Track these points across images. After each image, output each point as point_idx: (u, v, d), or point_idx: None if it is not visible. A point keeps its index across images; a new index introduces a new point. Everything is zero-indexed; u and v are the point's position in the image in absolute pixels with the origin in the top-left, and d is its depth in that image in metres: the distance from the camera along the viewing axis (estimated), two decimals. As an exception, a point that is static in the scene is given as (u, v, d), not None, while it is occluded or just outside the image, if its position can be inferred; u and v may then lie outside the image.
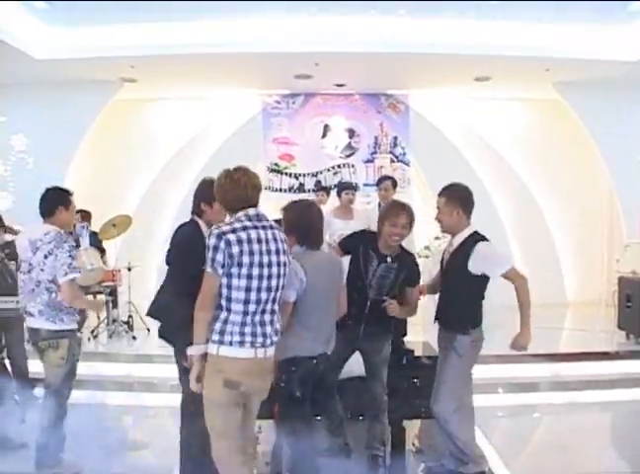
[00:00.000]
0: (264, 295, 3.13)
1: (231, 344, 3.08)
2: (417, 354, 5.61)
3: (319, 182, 10.60)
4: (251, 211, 3.20)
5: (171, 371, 5.98)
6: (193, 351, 3.16)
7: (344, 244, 4.48)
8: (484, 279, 3.99)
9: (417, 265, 4.40)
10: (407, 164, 10.91)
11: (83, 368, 6.83)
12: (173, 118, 10.91)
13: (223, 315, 3.11)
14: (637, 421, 5.90)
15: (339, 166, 10.87)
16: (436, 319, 4.24)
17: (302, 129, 10.87)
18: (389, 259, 4.21)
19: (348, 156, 10.91)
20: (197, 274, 3.55)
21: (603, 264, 10.58)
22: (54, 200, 4.46)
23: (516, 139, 10.96)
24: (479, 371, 5.03)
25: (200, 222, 4.00)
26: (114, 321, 8.15)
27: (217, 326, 3.11)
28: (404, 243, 4.36)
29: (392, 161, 10.89)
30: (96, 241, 8.47)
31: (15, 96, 9.78)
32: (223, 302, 3.11)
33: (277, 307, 3.24)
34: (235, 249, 3.05)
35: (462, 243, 4.01)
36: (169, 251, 4.07)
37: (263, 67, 9.52)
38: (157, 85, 10.24)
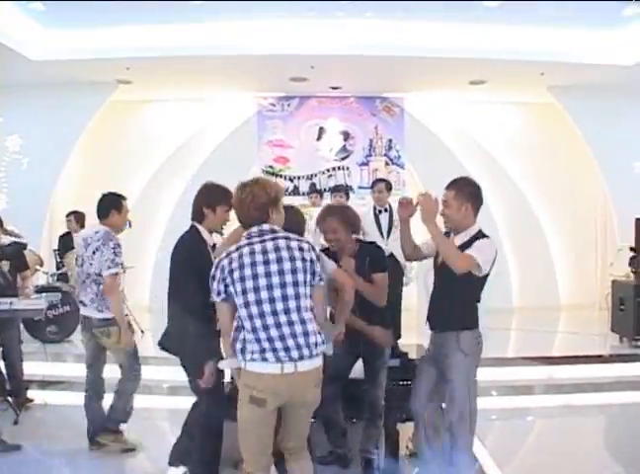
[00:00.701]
0: (267, 307, 3.01)
1: (254, 360, 3.02)
2: (411, 356, 5.61)
3: (314, 184, 10.61)
4: (253, 229, 3.16)
5: (166, 374, 6.03)
6: (223, 365, 3.28)
7: None
8: (482, 279, 3.80)
9: (379, 249, 4.39)
10: (402, 167, 10.93)
11: (76, 370, 6.85)
12: (168, 119, 10.90)
13: (241, 335, 3.08)
14: (630, 423, 5.90)
15: (333, 169, 10.88)
16: (430, 323, 4.00)
17: (297, 132, 10.88)
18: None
19: (342, 159, 10.91)
20: (202, 285, 3.49)
21: (597, 267, 10.62)
22: (108, 204, 4.93)
23: (510, 143, 10.98)
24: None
25: (201, 228, 3.90)
26: (108, 323, 8.12)
27: (238, 346, 3.07)
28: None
29: (387, 164, 10.91)
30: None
31: (10, 97, 9.76)
32: (242, 322, 3.08)
33: (297, 317, 3.05)
34: (226, 270, 3.06)
35: (467, 242, 3.77)
36: (172, 264, 3.93)
37: (258, 69, 9.51)
38: (152, 87, 10.23)
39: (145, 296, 9.44)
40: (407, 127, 10.88)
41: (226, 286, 3.07)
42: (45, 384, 6.34)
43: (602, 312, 9.19)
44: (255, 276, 3.02)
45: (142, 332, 7.99)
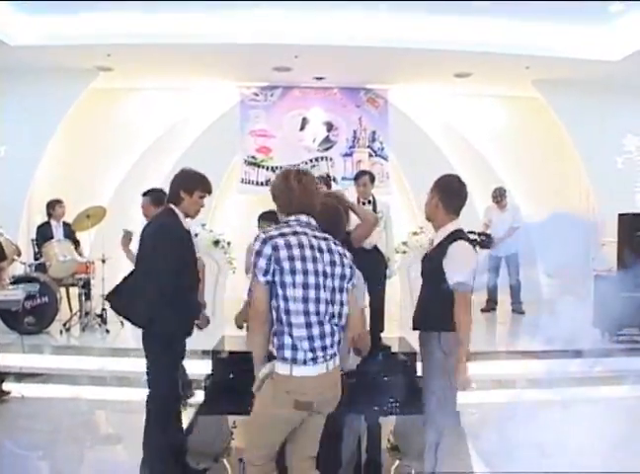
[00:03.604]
0: (322, 307, 2.92)
1: (305, 362, 2.88)
2: (393, 350, 5.59)
3: (297, 175, 10.54)
4: (303, 217, 3.04)
5: (144, 365, 5.94)
6: (261, 373, 2.98)
7: None
8: None
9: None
10: (385, 159, 10.91)
11: (54, 362, 6.77)
12: (150, 108, 10.78)
13: (286, 329, 2.89)
14: (610, 418, 5.92)
15: (317, 159, 10.82)
16: (413, 324, 3.93)
17: (280, 122, 10.81)
18: None
19: (326, 149, 10.86)
20: (179, 266, 3.72)
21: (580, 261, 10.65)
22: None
23: (495, 136, 10.98)
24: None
25: (177, 211, 3.95)
26: (87, 314, 8.04)
27: (287, 341, 2.89)
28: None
29: (370, 155, 10.88)
30: (69, 232, 8.36)
31: (-12, 83, 9.60)
32: (283, 315, 2.89)
33: (336, 322, 3.01)
34: (283, 253, 2.86)
35: (443, 240, 3.75)
36: (143, 242, 3.96)
37: (241, 59, 9.44)
38: (134, 75, 10.12)
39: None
40: (391, 119, 10.86)
41: (278, 266, 2.87)
42: (22, 376, 6.24)
43: (584, 307, 9.20)
44: (316, 273, 2.92)
45: (122, 323, 7.89)
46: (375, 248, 6.43)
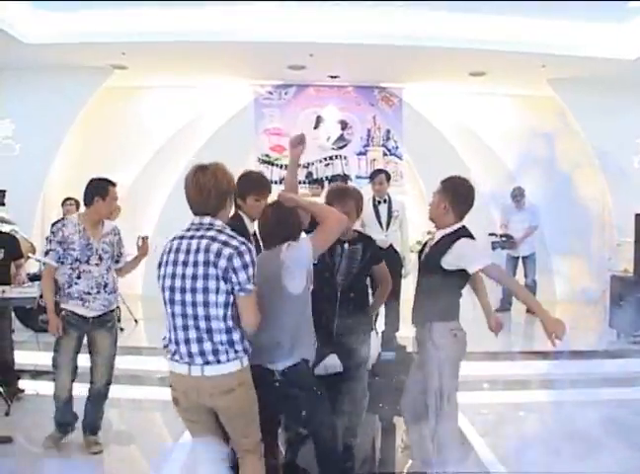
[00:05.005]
0: (178, 309, 2.92)
1: (170, 359, 3.02)
2: (408, 349, 5.57)
3: (310, 173, 10.53)
4: (195, 220, 3.01)
5: (158, 364, 5.95)
6: None
7: None
8: (461, 275, 3.68)
9: (375, 242, 4.30)
10: (400, 157, 10.87)
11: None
12: (164, 106, 10.76)
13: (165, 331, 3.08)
14: (626, 419, 5.86)
15: (331, 158, 10.81)
16: (412, 319, 3.95)
17: (294, 121, 10.78)
18: (347, 244, 4.05)
19: (340, 148, 10.84)
20: None
21: (595, 262, 10.56)
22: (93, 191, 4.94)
23: (509, 135, 10.90)
24: (467, 368, 4.97)
25: (244, 216, 3.93)
26: (100, 311, 8.03)
27: (164, 342, 3.09)
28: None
29: (385, 154, 10.85)
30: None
31: (2, 80, 9.63)
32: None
33: (205, 325, 2.90)
34: (161, 263, 3.01)
35: (443, 237, 3.72)
36: None
37: (256, 57, 9.41)
38: (148, 73, 10.11)
39: (138, 285, 9.34)
40: (405, 118, 10.81)
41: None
42: (37, 374, 6.24)
43: (600, 308, 9.15)
44: (173, 276, 2.93)
45: (136, 321, 7.91)
46: (391, 247, 6.43)
